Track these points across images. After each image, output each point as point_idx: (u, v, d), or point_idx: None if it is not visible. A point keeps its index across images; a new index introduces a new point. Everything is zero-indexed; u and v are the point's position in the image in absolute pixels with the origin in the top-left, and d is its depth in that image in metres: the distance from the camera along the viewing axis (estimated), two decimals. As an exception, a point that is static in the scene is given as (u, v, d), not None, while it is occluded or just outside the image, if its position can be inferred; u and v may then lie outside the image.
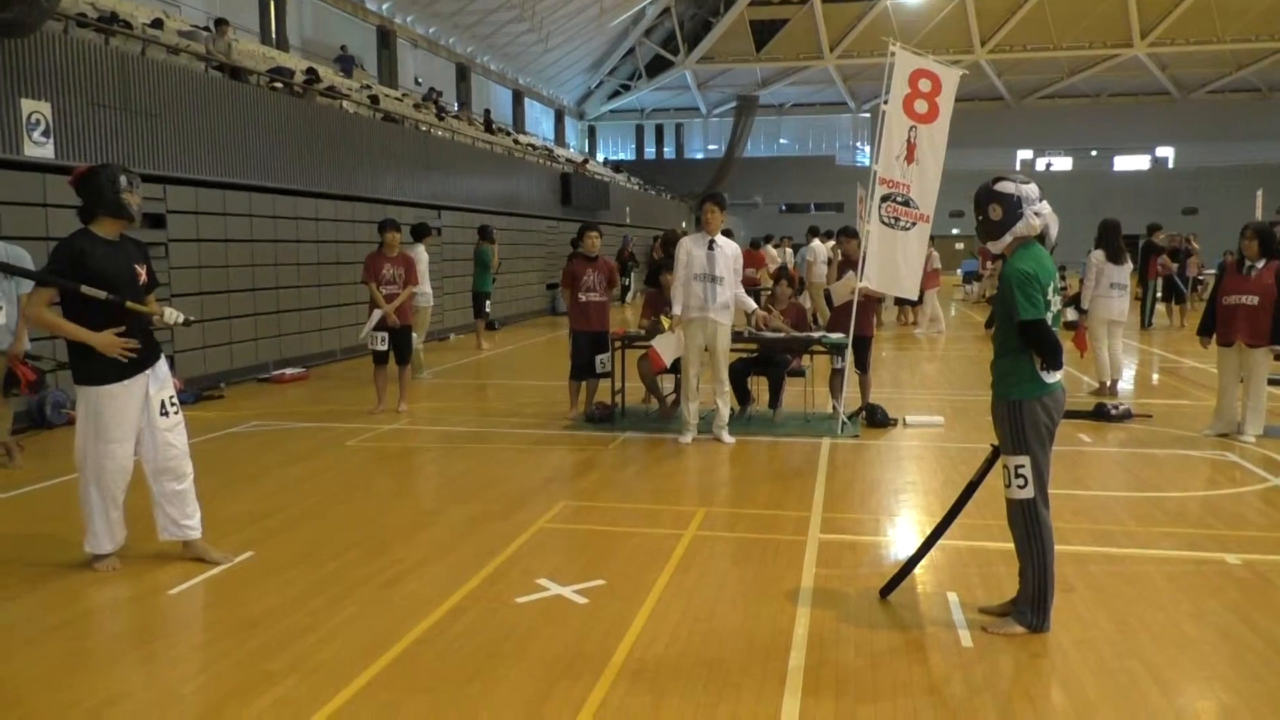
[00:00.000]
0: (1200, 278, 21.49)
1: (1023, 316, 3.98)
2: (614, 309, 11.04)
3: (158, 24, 14.38)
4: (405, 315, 9.81)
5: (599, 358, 9.08)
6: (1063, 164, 50.47)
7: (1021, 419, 4.05)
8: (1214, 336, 8.28)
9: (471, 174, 20.16)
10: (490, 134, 27.66)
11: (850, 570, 4.95)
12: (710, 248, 7.95)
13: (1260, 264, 7.93)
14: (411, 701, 3.54)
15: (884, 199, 8.43)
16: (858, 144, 52.03)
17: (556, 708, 3.47)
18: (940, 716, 3.42)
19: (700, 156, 52.84)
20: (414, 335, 10.52)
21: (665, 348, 8.09)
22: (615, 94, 49.50)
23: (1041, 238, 4.14)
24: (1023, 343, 4.02)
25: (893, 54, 8.37)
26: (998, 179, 4.18)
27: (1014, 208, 4.08)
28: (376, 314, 9.55)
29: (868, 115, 49.28)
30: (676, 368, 8.47)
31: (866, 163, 45.63)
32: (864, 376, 9.15)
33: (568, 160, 32.75)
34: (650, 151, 53.54)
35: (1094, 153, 50.23)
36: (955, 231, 44.04)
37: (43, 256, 5.05)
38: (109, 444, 4.86)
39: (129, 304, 4.83)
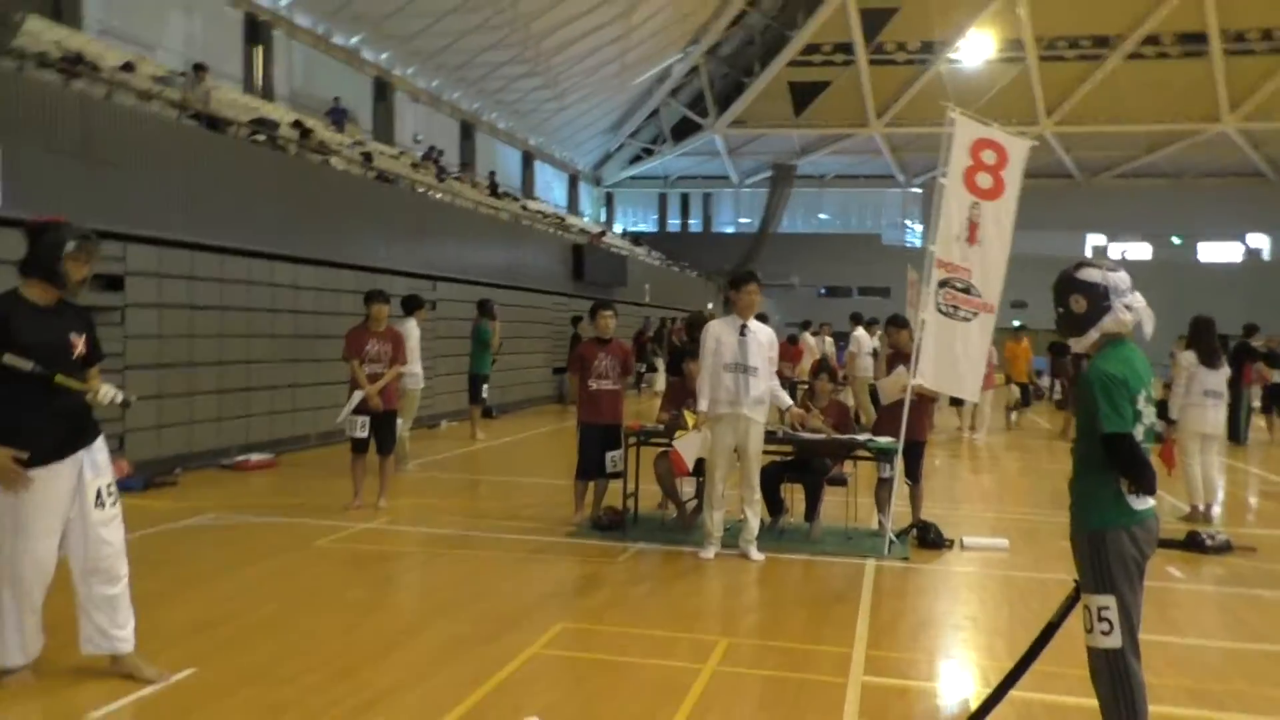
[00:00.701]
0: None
1: (1107, 429, 3.86)
2: (629, 399, 10.97)
3: (129, 68, 14.73)
4: (390, 398, 9.76)
5: (610, 455, 9.00)
6: (1140, 251, 50.65)
7: (1105, 552, 3.89)
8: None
9: (473, 242, 20.35)
10: (496, 199, 28.06)
11: (900, 722, 4.76)
12: (742, 333, 7.88)
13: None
14: None
15: (941, 284, 8.37)
16: (907, 221, 52.54)
17: None
18: None
19: (730, 230, 53.43)
20: (399, 421, 10.46)
21: (688, 448, 8.00)
22: (636, 158, 50.33)
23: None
24: (1107, 459, 3.88)
25: (952, 121, 8.41)
26: (1080, 265, 4.10)
27: (1100, 299, 3.99)
28: (357, 395, 9.50)
29: (919, 190, 49.84)
30: (700, 470, 8.35)
31: (917, 242, 46.07)
32: (915, 488, 9.02)
33: (582, 230, 33.16)
34: (674, 223, 54.21)
35: (1176, 240, 50.45)
36: (1016, 324, 43.99)
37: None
38: (29, 539, 4.74)
39: (59, 378, 4.79)
